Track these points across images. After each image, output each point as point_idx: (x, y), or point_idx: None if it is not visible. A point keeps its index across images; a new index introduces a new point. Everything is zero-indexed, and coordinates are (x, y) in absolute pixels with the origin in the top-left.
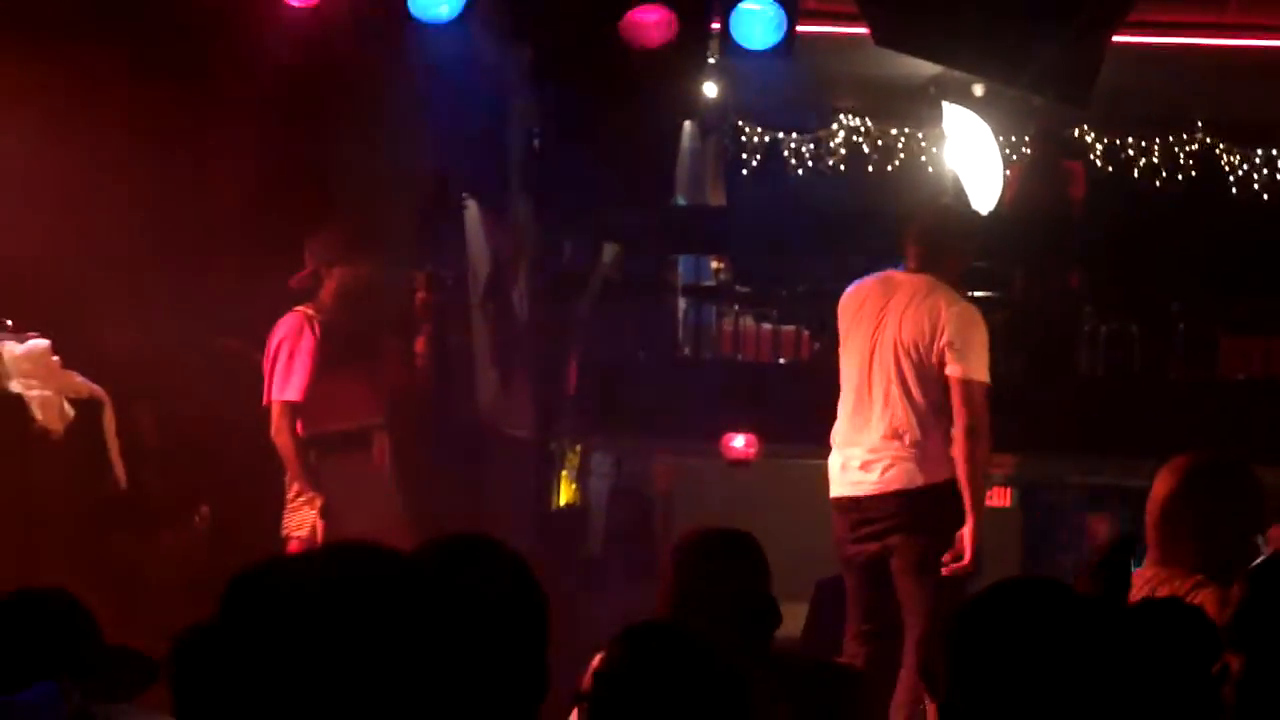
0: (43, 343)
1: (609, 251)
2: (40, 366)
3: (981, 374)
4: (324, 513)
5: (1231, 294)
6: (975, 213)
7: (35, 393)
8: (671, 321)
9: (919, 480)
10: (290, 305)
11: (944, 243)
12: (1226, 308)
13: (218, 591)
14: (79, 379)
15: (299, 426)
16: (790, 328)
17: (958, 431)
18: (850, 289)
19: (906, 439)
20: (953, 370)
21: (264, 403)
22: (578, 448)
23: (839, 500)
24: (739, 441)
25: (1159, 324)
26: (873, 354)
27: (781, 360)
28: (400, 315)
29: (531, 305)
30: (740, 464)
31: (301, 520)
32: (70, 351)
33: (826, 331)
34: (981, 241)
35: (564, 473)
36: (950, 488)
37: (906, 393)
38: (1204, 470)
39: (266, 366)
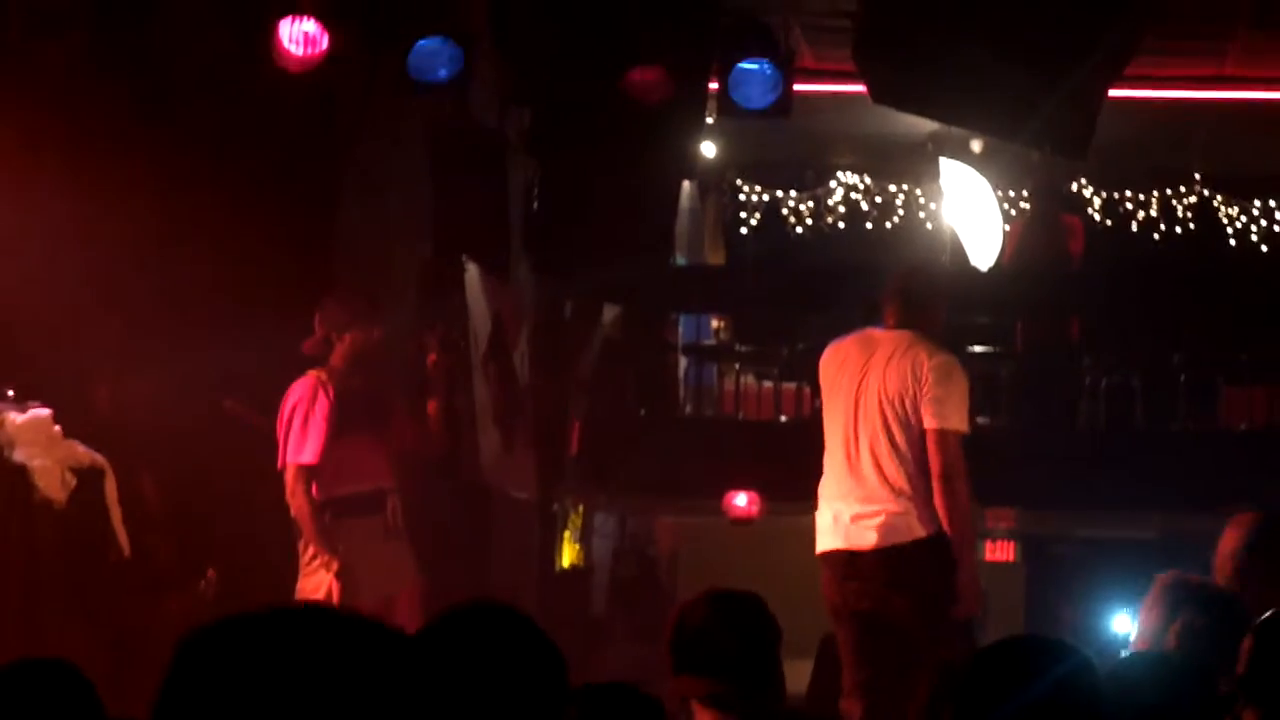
0: (44, 412)
1: (609, 311)
2: (42, 435)
3: (958, 424)
4: (340, 575)
5: (1232, 345)
6: (947, 267)
7: (37, 462)
8: (673, 380)
9: (913, 534)
10: (297, 369)
11: (920, 299)
12: (1227, 359)
13: None
14: (80, 448)
15: (314, 490)
16: (791, 385)
17: (935, 480)
18: (829, 348)
19: (897, 493)
20: (929, 422)
21: (279, 467)
22: (580, 508)
23: (830, 554)
24: (741, 500)
25: (1160, 376)
26: (858, 410)
27: (783, 418)
28: (409, 377)
29: (532, 366)
30: (743, 522)
31: (317, 583)
32: (70, 419)
33: None
34: (959, 293)
35: (567, 533)
36: (944, 540)
37: (894, 447)
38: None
39: (280, 430)
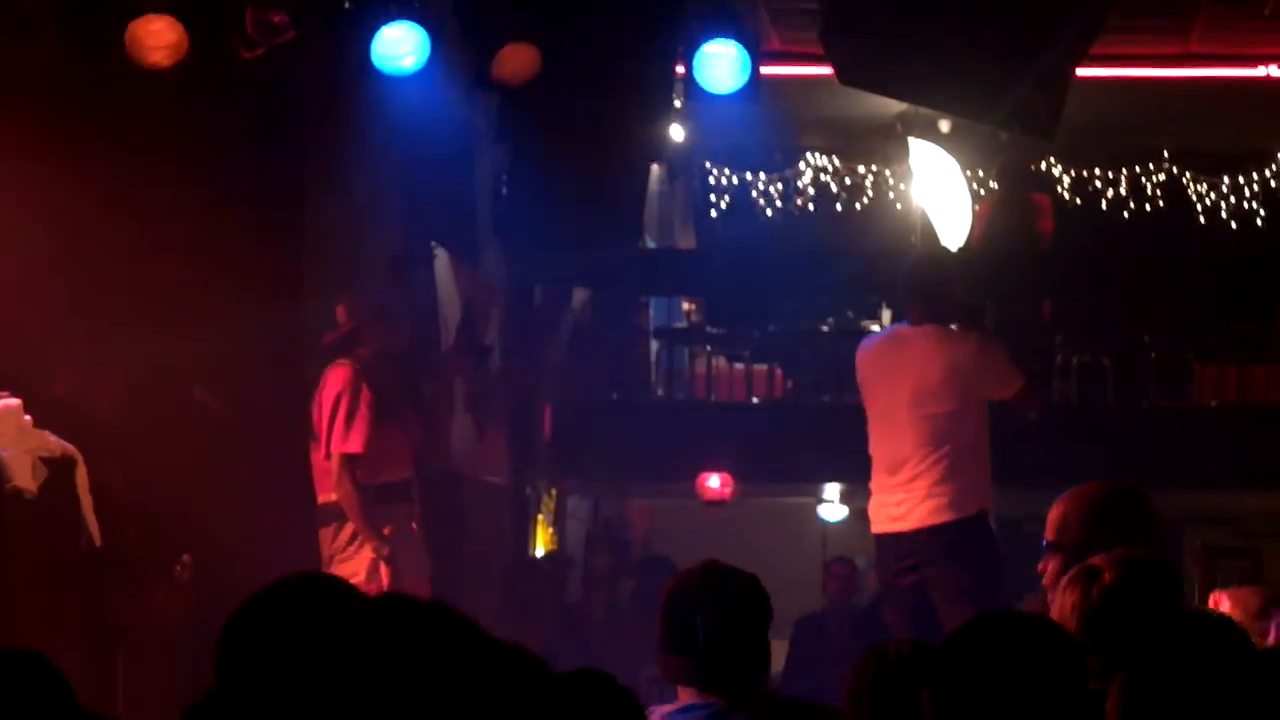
0: (14, 402)
1: (579, 296)
2: (12, 426)
3: (1016, 381)
4: (390, 559)
5: (1202, 323)
6: (952, 252)
7: (8, 452)
8: (644, 364)
9: (948, 516)
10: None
11: (932, 288)
12: (1198, 336)
13: (204, 641)
14: (51, 438)
15: (360, 475)
16: (763, 367)
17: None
18: (863, 349)
19: (939, 479)
20: (1005, 391)
21: (323, 455)
22: (553, 492)
23: (881, 536)
24: (714, 482)
25: (1131, 354)
26: (899, 405)
27: (755, 400)
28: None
29: (503, 352)
30: (716, 504)
31: (355, 568)
32: (39, 409)
33: (799, 370)
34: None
35: (540, 517)
36: (979, 521)
37: (936, 436)
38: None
39: (322, 419)
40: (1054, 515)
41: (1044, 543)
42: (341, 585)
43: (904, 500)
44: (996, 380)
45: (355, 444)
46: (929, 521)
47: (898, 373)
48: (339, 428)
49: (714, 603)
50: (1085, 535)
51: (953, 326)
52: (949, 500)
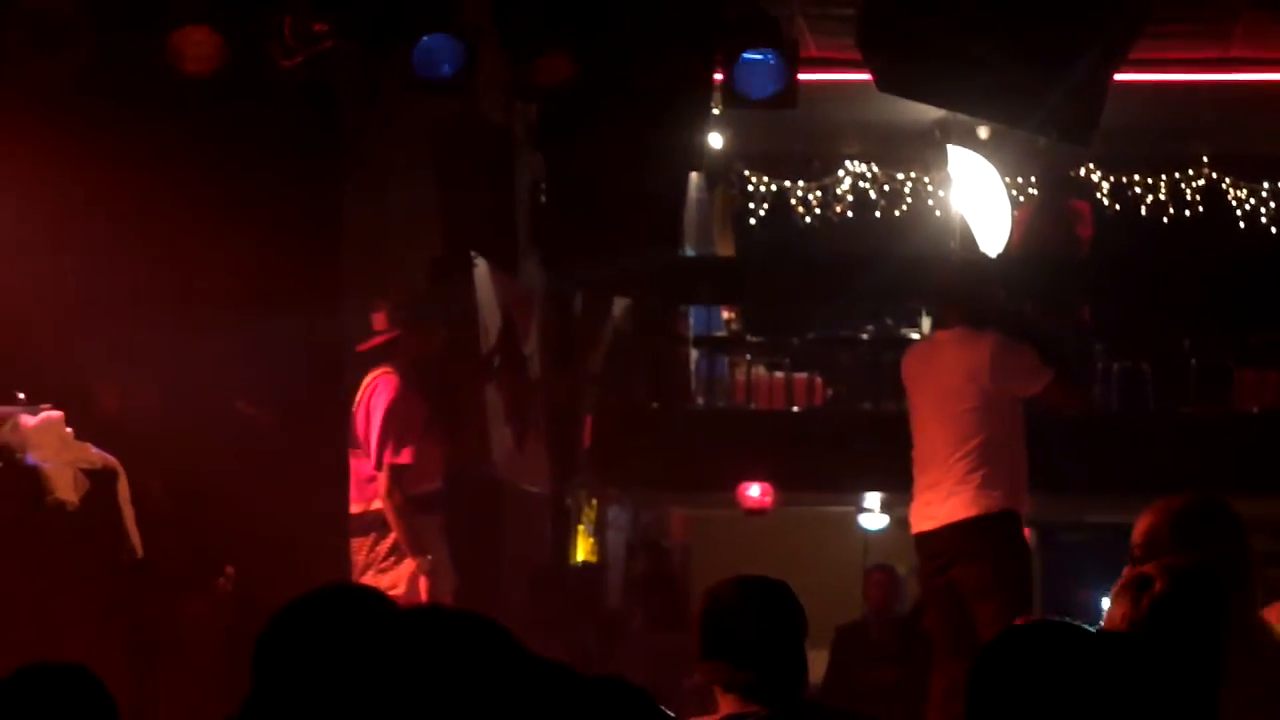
0: (56, 414)
1: (619, 305)
2: (54, 438)
3: (1043, 377)
4: (431, 571)
5: (1242, 327)
6: (985, 257)
7: (50, 464)
8: (684, 372)
9: (970, 512)
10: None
11: (957, 293)
12: (1238, 341)
13: (245, 653)
14: (93, 450)
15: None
16: (803, 375)
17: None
18: (907, 353)
19: (960, 477)
20: (1028, 390)
21: (373, 467)
22: (594, 501)
23: (917, 536)
24: (755, 490)
25: (1171, 360)
26: (929, 406)
27: (795, 408)
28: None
29: (543, 361)
30: (757, 513)
31: (395, 579)
32: (77, 421)
33: (838, 378)
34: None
35: (581, 527)
36: (1002, 518)
37: (959, 436)
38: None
39: (370, 429)
40: (1140, 527)
41: (1130, 556)
42: (376, 595)
43: (932, 500)
44: (1019, 377)
45: (407, 455)
46: (953, 518)
47: (927, 376)
48: (392, 439)
49: (751, 610)
50: (1172, 547)
51: (983, 329)
52: (971, 497)
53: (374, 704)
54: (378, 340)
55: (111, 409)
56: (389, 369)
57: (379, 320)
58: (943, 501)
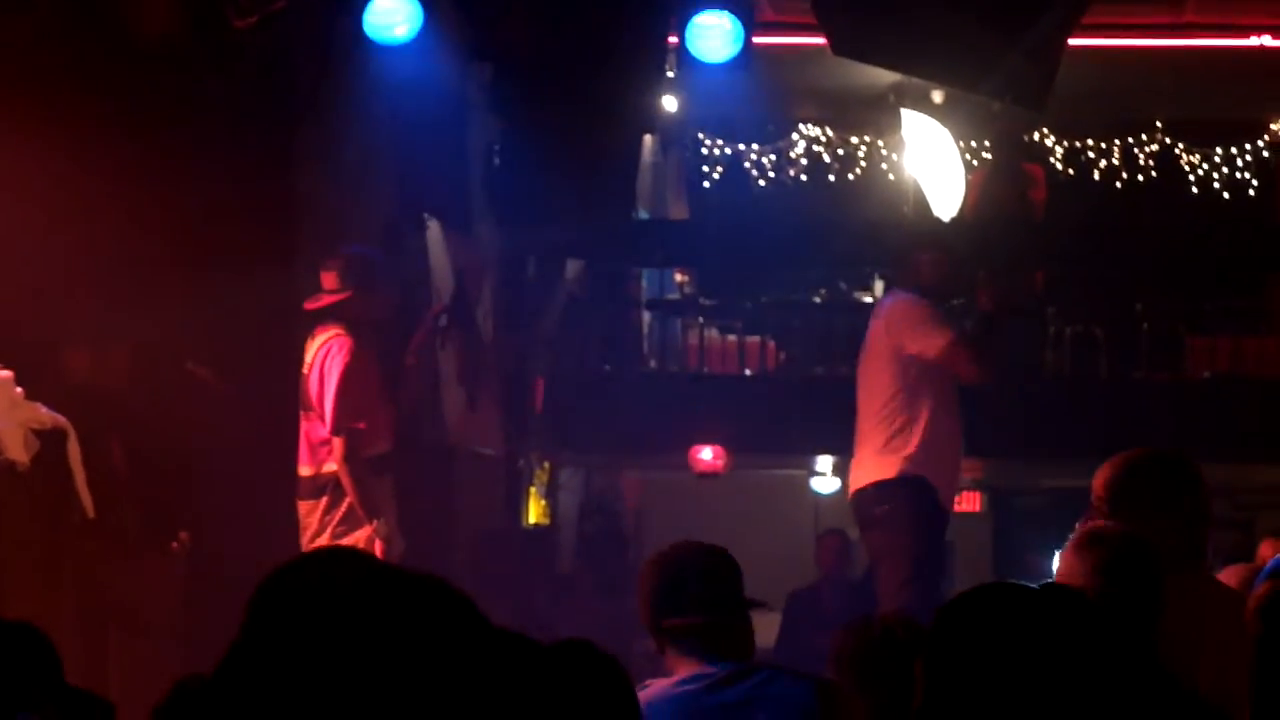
0: (5, 374)
1: (572, 267)
2: (4, 399)
3: (937, 340)
4: (386, 536)
5: (1195, 293)
6: (932, 219)
7: (0, 425)
8: (637, 335)
9: (871, 478)
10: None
11: (903, 258)
12: (1190, 307)
13: (197, 618)
14: (43, 410)
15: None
16: (755, 339)
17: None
18: None
19: (867, 441)
20: (925, 352)
21: (329, 431)
22: (546, 464)
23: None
24: (707, 454)
25: (1123, 325)
26: (859, 370)
27: (748, 372)
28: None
29: (496, 323)
30: (709, 476)
31: (357, 540)
32: (45, 385)
33: (791, 342)
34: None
35: (533, 489)
36: (900, 484)
37: (872, 399)
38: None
39: (327, 392)
40: (1097, 481)
41: (1091, 508)
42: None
43: (853, 464)
44: (914, 339)
45: (361, 418)
46: (859, 484)
47: (864, 340)
48: (348, 403)
49: (701, 573)
50: (1132, 500)
51: (906, 291)
52: (875, 463)
53: (343, 674)
54: (327, 300)
55: (80, 375)
56: (340, 330)
57: (328, 279)
58: (857, 466)
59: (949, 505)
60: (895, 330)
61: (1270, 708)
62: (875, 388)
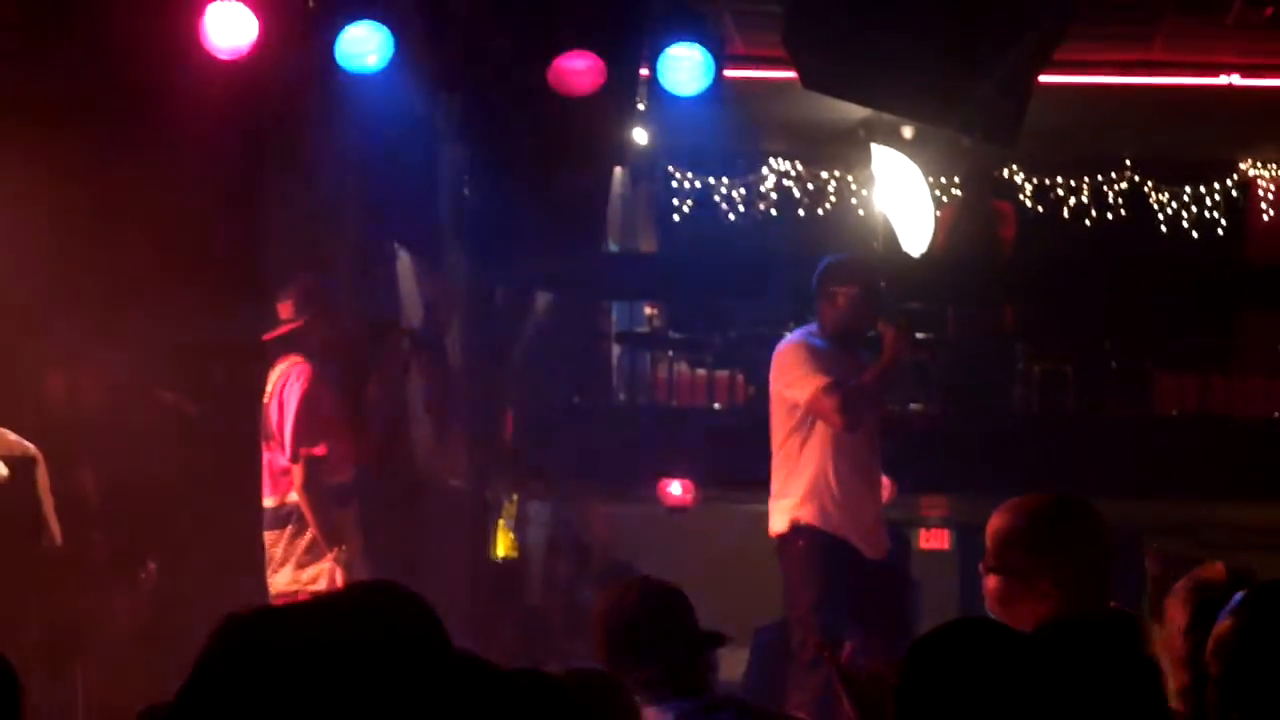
0: None
1: (541, 299)
2: None
3: (805, 386)
4: (346, 564)
5: (1163, 331)
6: (846, 259)
7: None
8: (606, 368)
9: (772, 532)
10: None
11: (817, 291)
12: (1159, 345)
13: (164, 648)
14: (11, 436)
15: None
16: (725, 372)
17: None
18: None
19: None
20: (795, 398)
21: (288, 459)
22: (515, 497)
23: None
24: (676, 488)
25: (1092, 362)
26: None
27: (716, 405)
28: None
29: (464, 354)
30: (678, 510)
31: (316, 574)
32: (8, 410)
33: (761, 375)
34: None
35: (501, 522)
36: (789, 536)
37: (773, 443)
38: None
39: (286, 420)
40: (991, 529)
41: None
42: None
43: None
44: (788, 385)
45: (321, 448)
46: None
47: None
48: (306, 430)
49: (647, 612)
50: (1029, 549)
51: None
52: (772, 514)
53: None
54: (283, 329)
55: (57, 400)
56: (299, 358)
57: (284, 309)
58: (770, 510)
59: (864, 546)
60: (775, 375)
61: None
62: (772, 435)
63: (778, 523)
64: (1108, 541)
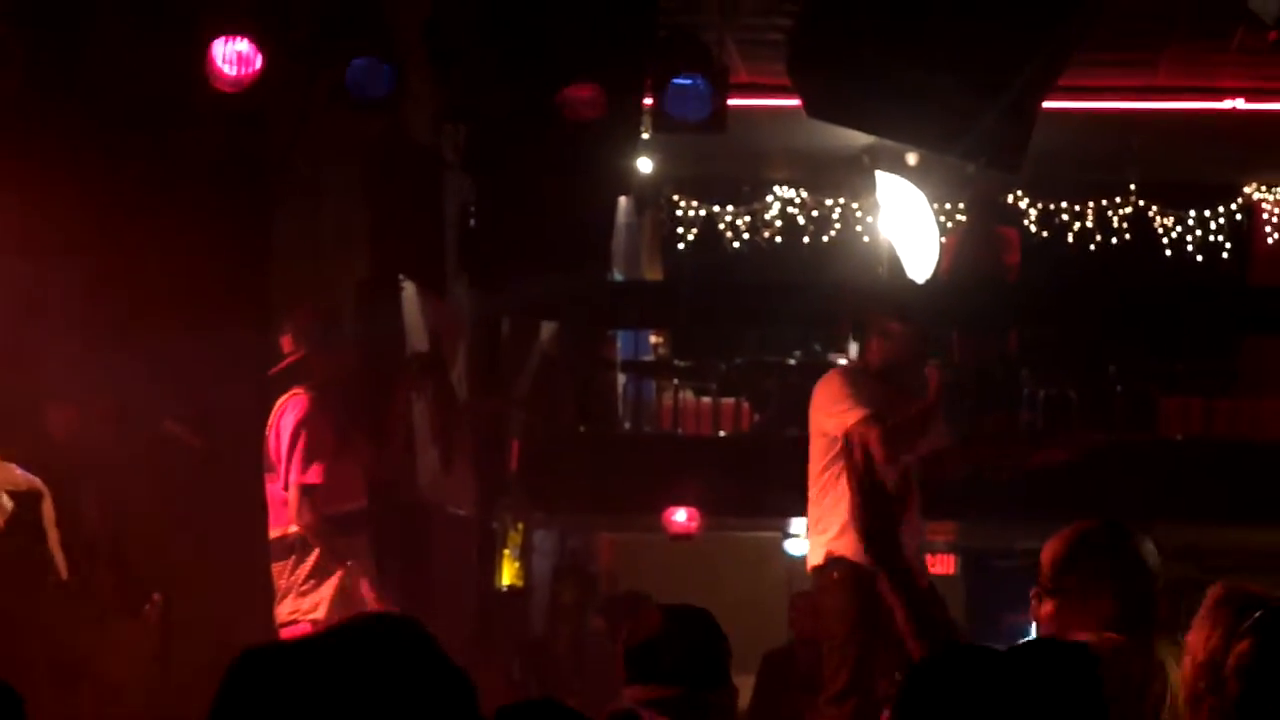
0: None
1: (547, 328)
2: None
3: (846, 417)
4: (342, 591)
5: (1168, 355)
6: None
7: None
8: (611, 397)
9: (810, 563)
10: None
11: (865, 322)
12: (1163, 369)
13: (170, 680)
14: (18, 471)
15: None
16: (730, 400)
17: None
18: None
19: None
20: (834, 429)
21: (282, 486)
22: (520, 525)
23: None
24: (681, 515)
25: (1097, 386)
26: None
27: (722, 433)
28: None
29: (470, 383)
30: (683, 538)
31: (316, 602)
32: (14, 441)
33: (765, 403)
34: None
35: (506, 551)
36: (819, 571)
37: (810, 475)
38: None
39: (276, 449)
40: (1046, 554)
41: (1039, 582)
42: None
43: None
44: (828, 416)
45: (315, 475)
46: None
47: None
48: (299, 458)
49: (675, 635)
50: (1070, 572)
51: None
52: (810, 548)
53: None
54: (285, 363)
55: (57, 432)
56: (299, 390)
57: (285, 343)
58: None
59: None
60: (816, 405)
61: None
62: (810, 468)
63: (815, 556)
64: (1143, 564)
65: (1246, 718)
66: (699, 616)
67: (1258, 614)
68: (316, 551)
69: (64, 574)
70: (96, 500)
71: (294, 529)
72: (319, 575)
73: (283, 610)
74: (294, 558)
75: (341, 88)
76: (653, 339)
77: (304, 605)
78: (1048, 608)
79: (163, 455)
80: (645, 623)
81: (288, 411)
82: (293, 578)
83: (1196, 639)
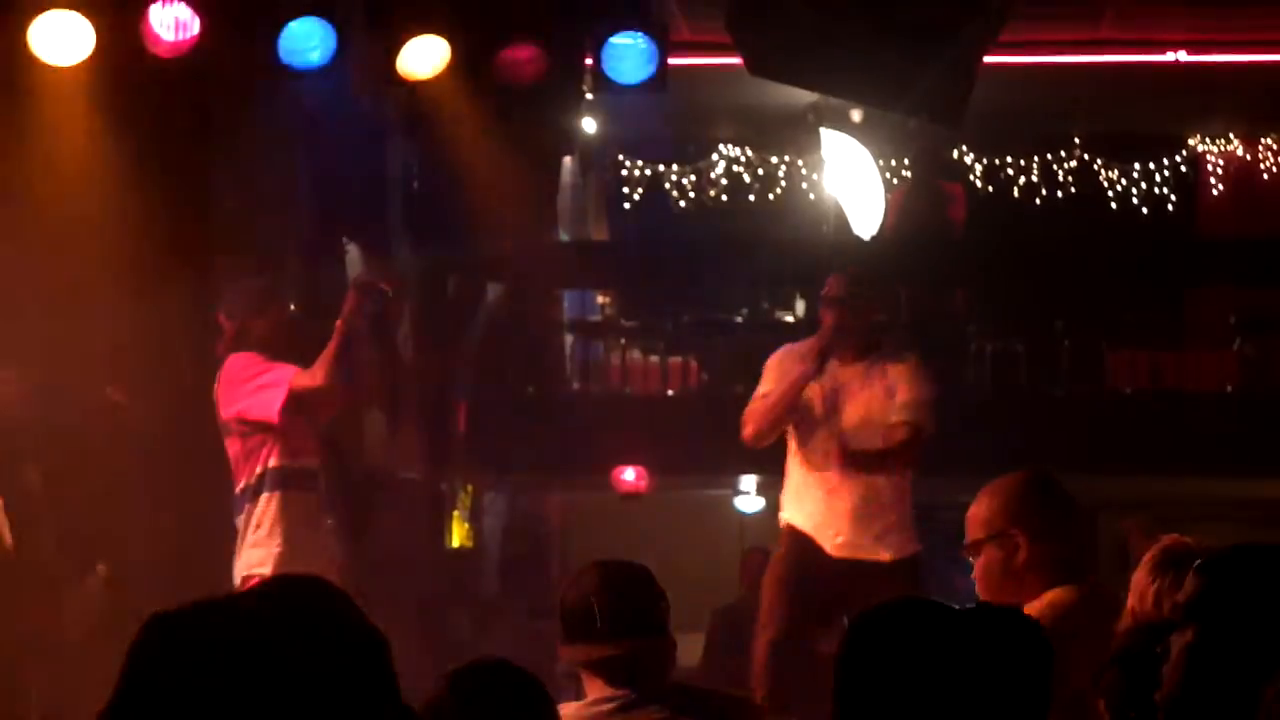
0: None
1: (493, 289)
2: None
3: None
4: (284, 546)
5: (1115, 309)
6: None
7: None
8: (559, 357)
9: None
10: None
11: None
12: (1111, 322)
13: (119, 649)
14: None
15: (275, 455)
16: (678, 359)
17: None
18: None
19: None
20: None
21: (236, 440)
22: (469, 487)
23: None
24: (630, 474)
25: (1044, 341)
26: None
27: (670, 392)
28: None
29: (416, 345)
30: (632, 497)
31: (265, 556)
32: None
33: (713, 362)
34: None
35: (456, 513)
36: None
37: None
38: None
39: (233, 400)
40: (971, 514)
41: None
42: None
43: None
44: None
45: (274, 412)
46: None
47: None
48: (261, 397)
49: (611, 592)
50: (1011, 525)
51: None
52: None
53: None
54: (227, 337)
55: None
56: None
57: (221, 318)
58: None
59: (829, 547)
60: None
61: None
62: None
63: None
64: (1076, 513)
65: (1197, 658)
66: (634, 572)
67: (1197, 561)
68: (264, 501)
69: (7, 542)
70: (38, 468)
71: (239, 487)
72: (265, 533)
73: (237, 567)
74: (245, 512)
75: (278, 54)
76: (600, 299)
77: (254, 558)
78: (979, 565)
79: (106, 421)
80: (581, 583)
81: (234, 367)
82: (243, 534)
83: (1138, 587)
